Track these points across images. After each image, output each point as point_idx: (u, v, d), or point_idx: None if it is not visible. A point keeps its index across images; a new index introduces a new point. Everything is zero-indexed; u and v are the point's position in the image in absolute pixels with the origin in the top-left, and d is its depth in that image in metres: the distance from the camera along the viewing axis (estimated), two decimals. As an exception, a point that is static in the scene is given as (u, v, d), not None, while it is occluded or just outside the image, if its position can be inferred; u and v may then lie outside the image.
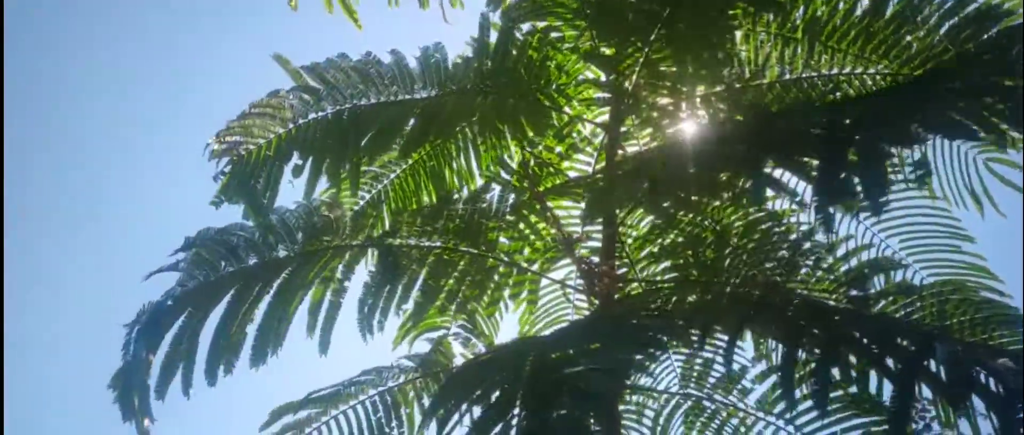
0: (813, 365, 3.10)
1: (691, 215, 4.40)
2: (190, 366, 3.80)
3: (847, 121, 2.49)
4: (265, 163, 4.50)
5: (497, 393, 2.82)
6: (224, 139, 4.49)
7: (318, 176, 4.56)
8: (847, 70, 4.06)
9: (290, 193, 4.57)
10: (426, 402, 4.63)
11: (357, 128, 4.58)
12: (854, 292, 3.74)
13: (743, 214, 4.42)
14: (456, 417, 2.89)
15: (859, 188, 2.21)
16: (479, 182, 4.81)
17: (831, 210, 2.44)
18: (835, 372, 3.29)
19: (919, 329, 2.43)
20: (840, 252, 4.25)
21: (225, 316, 3.83)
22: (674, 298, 4.26)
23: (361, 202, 4.84)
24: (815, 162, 3.12)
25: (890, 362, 2.80)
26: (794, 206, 4.46)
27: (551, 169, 4.71)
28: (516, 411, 2.57)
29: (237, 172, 4.45)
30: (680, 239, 4.49)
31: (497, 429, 2.56)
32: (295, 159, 4.54)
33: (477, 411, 3.07)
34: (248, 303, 3.88)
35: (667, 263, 4.57)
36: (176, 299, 3.66)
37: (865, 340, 2.87)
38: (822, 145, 2.46)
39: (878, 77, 4.05)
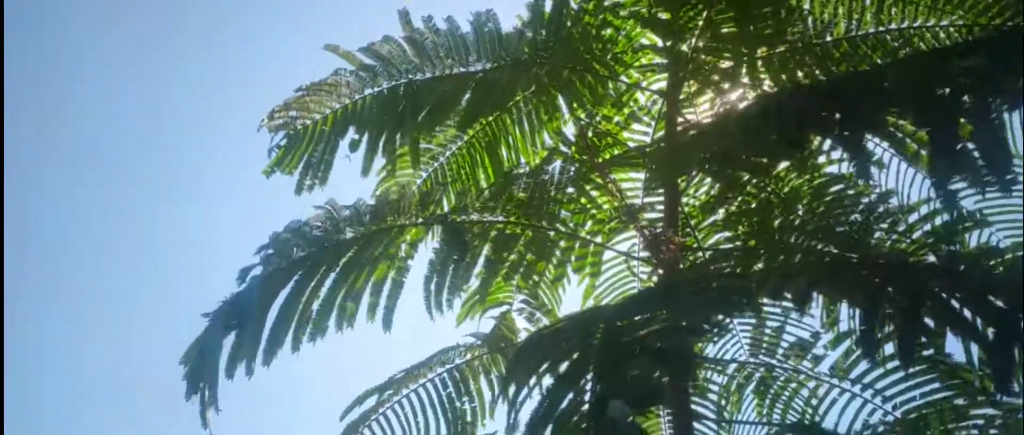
0: (893, 326, 3.00)
1: (755, 182, 4.29)
2: (254, 346, 3.83)
3: (943, 79, 2.32)
4: (320, 138, 4.54)
5: (568, 363, 2.79)
6: (281, 114, 4.55)
7: (375, 151, 4.57)
8: (919, 23, 3.89)
9: (347, 168, 4.60)
10: (494, 376, 4.63)
11: (413, 103, 4.57)
12: (935, 254, 3.59)
13: (810, 179, 4.29)
14: (526, 389, 2.86)
15: (980, 162, 2.02)
16: (536, 155, 4.77)
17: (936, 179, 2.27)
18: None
19: (1015, 285, 2.29)
20: (912, 218, 4.10)
21: (289, 295, 3.86)
22: (740, 266, 4.18)
23: (419, 180, 4.85)
24: (900, 122, 3.01)
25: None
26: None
27: (610, 139, 4.63)
28: (588, 378, 2.52)
29: (291, 145, 4.50)
30: (744, 207, 4.39)
31: (569, 397, 2.53)
32: (351, 134, 4.57)
33: (545, 381, 3.06)
34: (313, 282, 3.90)
35: (731, 232, 4.47)
36: (250, 286, 3.68)
37: (951, 299, 2.75)
38: (925, 108, 2.30)
39: (951, 29, 3.88)
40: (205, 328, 3.55)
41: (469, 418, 4.62)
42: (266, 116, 4.54)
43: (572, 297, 4.91)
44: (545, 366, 2.88)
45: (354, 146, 4.59)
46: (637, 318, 2.81)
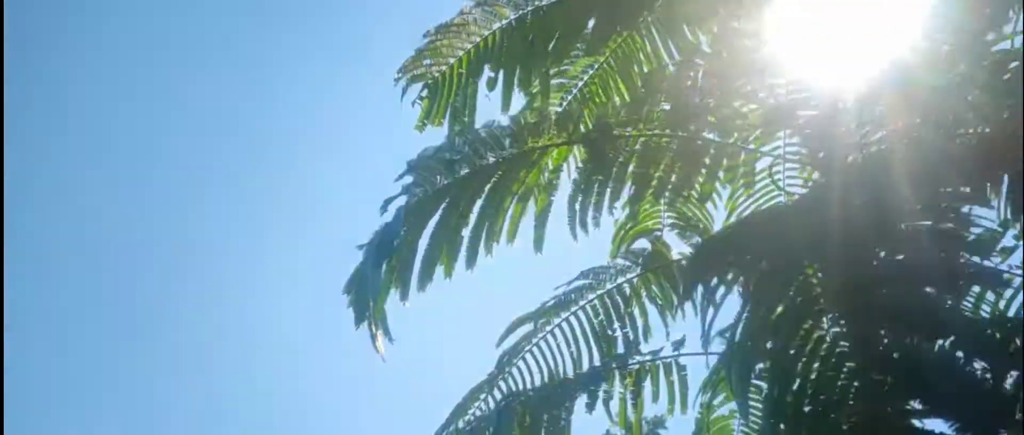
0: None
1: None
2: (407, 274, 3.70)
3: None
4: (459, 81, 4.34)
5: (767, 259, 2.53)
6: (415, 65, 4.37)
7: (512, 86, 4.34)
8: None
9: (488, 107, 4.40)
10: (647, 300, 4.37)
11: (542, 32, 4.30)
12: None
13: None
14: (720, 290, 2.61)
15: None
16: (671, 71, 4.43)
17: None
18: None
19: None
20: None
21: (438, 223, 3.70)
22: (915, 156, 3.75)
23: (558, 111, 4.60)
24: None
25: None
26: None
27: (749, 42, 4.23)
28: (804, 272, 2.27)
29: (434, 95, 4.32)
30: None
31: (791, 292, 2.29)
32: (487, 72, 4.35)
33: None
34: (461, 208, 3.72)
35: (893, 125, 4.02)
36: (397, 216, 3.53)
37: None
38: None
39: None
40: (362, 259, 3.44)
41: (622, 346, 4.38)
42: (401, 68, 4.38)
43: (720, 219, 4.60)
44: (736, 266, 2.63)
45: (491, 85, 4.37)
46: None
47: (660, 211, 4.61)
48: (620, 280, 4.33)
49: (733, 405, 4.43)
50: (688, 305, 4.42)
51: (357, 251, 3.49)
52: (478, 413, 3.99)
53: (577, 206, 3.92)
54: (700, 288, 2.97)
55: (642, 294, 4.37)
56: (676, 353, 4.05)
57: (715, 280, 2.70)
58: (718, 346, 4.12)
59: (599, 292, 4.34)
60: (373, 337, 3.34)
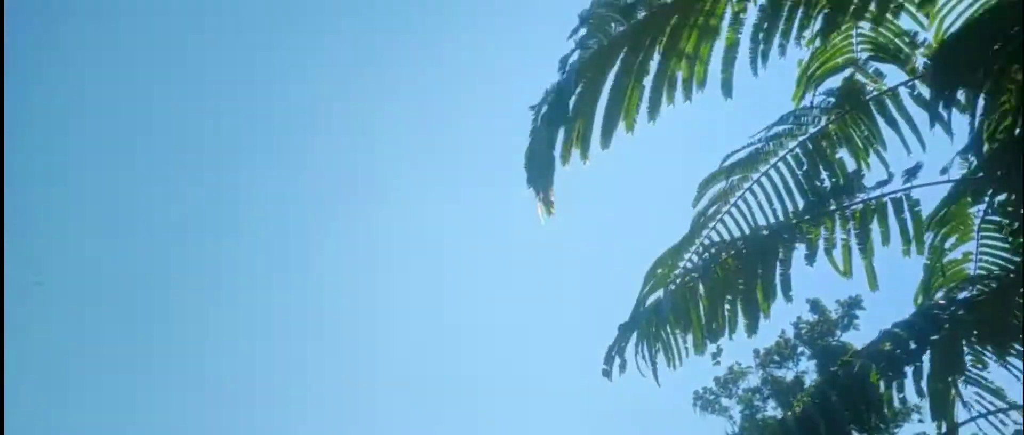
0: None
1: None
2: (588, 131, 3.35)
3: None
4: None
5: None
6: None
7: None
8: None
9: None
10: (858, 140, 3.79)
11: None
12: None
13: None
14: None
15: None
16: None
17: None
18: None
19: None
20: None
21: (618, 74, 3.30)
22: None
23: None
24: None
25: None
26: None
27: None
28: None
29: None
30: None
31: None
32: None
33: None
34: (640, 56, 3.29)
35: None
36: (569, 73, 3.17)
37: None
38: None
39: None
40: (535, 121, 3.15)
41: (834, 192, 3.84)
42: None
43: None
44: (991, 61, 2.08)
45: None
46: None
47: (850, 45, 4.01)
48: (823, 122, 3.78)
49: (968, 247, 3.82)
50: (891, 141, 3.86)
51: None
52: (682, 271, 3.62)
53: (761, 38, 3.38)
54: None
55: (851, 134, 3.80)
56: (907, 186, 3.48)
57: (974, 79, 2.17)
58: (957, 170, 3.56)
59: (801, 138, 3.81)
60: (547, 200, 3.06)
